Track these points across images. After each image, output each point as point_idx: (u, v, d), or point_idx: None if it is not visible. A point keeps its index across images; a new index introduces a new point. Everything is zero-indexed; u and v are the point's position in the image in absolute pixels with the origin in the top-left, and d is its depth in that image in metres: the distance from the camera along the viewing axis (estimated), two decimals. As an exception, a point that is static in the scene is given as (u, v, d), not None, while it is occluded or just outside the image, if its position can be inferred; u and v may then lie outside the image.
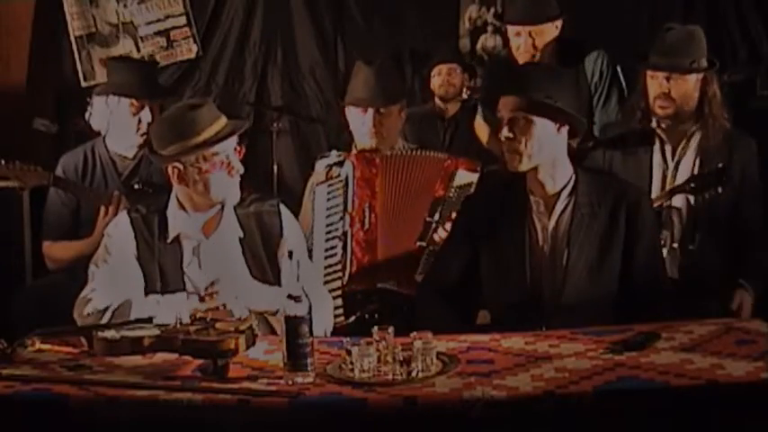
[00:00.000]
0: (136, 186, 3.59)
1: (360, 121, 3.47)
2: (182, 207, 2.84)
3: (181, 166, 2.76)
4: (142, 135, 3.62)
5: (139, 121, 3.61)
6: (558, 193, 2.83)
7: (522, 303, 2.80)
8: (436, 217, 3.29)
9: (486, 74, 4.28)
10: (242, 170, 2.80)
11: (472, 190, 3.28)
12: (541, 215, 2.84)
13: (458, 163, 3.37)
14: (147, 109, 3.61)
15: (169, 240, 2.83)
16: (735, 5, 5.03)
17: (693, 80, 3.31)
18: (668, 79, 3.30)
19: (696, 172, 3.32)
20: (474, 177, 3.32)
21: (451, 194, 3.30)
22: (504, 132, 2.76)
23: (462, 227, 2.96)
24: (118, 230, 2.86)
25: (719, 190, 3.23)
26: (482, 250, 2.88)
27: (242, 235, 2.86)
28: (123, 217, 2.89)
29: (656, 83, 3.33)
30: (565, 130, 2.80)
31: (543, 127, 2.76)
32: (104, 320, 2.64)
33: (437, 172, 3.35)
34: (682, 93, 3.30)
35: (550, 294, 2.81)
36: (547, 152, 2.78)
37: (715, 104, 3.32)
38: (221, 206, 2.84)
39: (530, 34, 3.75)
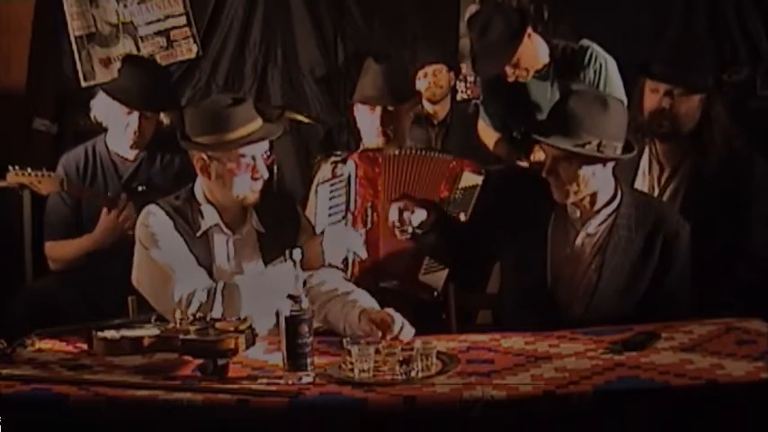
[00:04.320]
0: (139, 189, 3.56)
1: (368, 120, 3.44)
2: (207, 200, 2.81)
3: (206, 158, 2.73)
4: (132, 135, 3.59)
5: (128, 124, 3.58)
6: (599, 210, 2.79)
7: (537, 303, 2.78)
8: None
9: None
10: (266, 176, 2.77)
11: (477, 192, 3.27)
12: (575, 221, 2.81)
13: (463, 165, 3.34)
14: (135, 114, 3.56)
15: (199, 234, 2.78)
16: (735, 5, 5.02)
17: (697, 99, 3.04)
18: (670, 95, 3.03)
19: (685, 199, 3.07)
20: (479, 179, 3.29)
21: (456, 196, 3.27)
22: (549, 174, 2.69)
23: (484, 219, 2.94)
24: (157, 220, 2.76)
25: None
26: (502, 244, 2.87)
27: (263, 231, 2.85)
28: (154, 207, 2.79)
29: (655, 97, 3.06)
30: (612, 165, 2.73)
31: (590, 168, 2.69)
32: (197, 303, 2.60)
33: (442, 173, 3.33)
34: (683, 112, 3.04)
35: (568, 306, 2.79)
36: (593, 186, 2.73)
37: (717, 129, 3.04)
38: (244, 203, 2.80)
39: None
